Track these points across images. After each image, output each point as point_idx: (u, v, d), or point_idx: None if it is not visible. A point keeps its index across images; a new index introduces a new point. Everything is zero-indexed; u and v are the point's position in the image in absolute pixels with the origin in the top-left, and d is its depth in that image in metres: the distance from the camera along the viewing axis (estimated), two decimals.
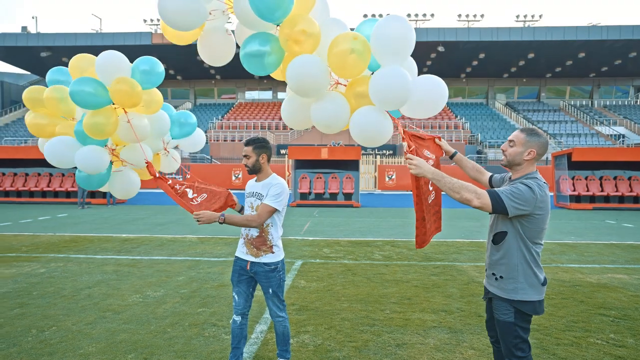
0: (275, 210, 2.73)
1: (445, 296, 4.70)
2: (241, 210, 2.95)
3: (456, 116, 37.29)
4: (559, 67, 37.44)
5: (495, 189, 2.09)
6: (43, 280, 5.24)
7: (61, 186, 17.08)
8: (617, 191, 15.90)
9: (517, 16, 36.04)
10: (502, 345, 2.16)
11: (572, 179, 16.29)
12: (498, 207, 2.01)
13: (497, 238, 2.16)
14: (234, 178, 25.12)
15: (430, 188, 2.61)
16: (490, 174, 2.57)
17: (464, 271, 5.87)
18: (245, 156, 2.82)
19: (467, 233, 9.38)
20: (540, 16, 35.72)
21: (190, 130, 3.77)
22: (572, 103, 40.51)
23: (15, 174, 17.42)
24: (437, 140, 2.71)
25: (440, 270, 5.93)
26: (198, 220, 2.65)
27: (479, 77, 41.50)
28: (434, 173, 2.10)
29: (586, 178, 16.36)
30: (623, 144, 31.98)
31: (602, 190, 16.01)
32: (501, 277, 2.15)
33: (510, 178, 2.29)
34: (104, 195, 16.11)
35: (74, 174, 16.67)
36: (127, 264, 6.17)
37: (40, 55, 34.92)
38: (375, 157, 28.23)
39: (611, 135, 33.95)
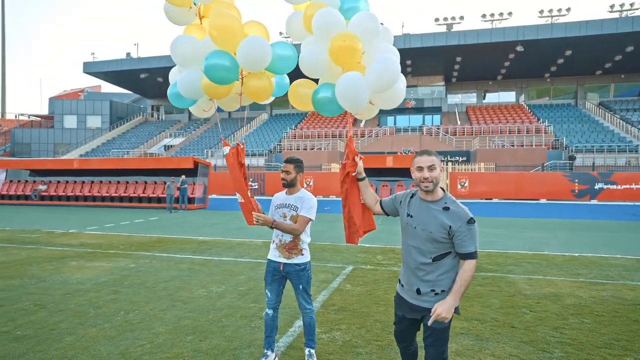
0: (310, 220, 3.22)
1: (484, 306, 4.76)
2: None
3: (538, 119, 34.62)
4: None
5: (469, 248, 2.21)
6: (132, 274, 6.30)
7: (154, 193, 19.41)
8: None
9: (612, 6, 32.63)
10: (432, 354, 2.31)
11: None
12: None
13: (438, 257, 2.29)
14: (305, 185, 26.19)
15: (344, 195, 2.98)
16: (379, 199, 2.73)
17: (514, 283, 5.79)
18: (285, 171, 3.27)
19: (534, 245, 8.97)
20: None
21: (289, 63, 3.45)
22: None
23: (118, 182, 20.21)
24: (357, 158, 2.89)
25: (489, 281, 5.90)
26: (257, 221, 3.07)
27: (566, 75, 38.14)
28: (457, 298, 2.23)
29: None
30: None
31: None
32: (443, 291, 2.30)
33: (423, 199, 2.37)
34: (177, 200, 17.92)
35: (164, 182, 19.02)
36: (199, 263, 7.08)
37: (140, 77, 39.82)
38: (447, 164, 27.41)
39: None
